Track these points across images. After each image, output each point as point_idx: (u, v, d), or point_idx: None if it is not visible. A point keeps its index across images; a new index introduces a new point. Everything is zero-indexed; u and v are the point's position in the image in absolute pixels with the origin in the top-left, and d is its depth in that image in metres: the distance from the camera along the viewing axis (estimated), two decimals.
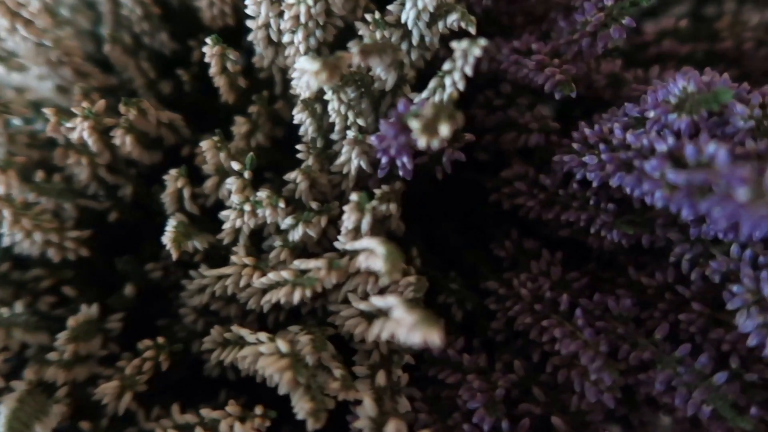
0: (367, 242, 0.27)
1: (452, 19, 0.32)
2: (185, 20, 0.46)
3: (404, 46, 0.35)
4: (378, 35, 0.33)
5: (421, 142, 0.26)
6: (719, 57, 0.45)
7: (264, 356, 0.29)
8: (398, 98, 0.36)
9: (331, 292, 0.35)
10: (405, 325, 0.24)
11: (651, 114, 0.28)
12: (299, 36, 0.32)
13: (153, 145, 0.41)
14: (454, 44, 0.28)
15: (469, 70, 0.29)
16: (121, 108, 0.34)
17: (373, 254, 0.26)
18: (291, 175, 0.34)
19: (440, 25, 0.33)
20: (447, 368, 0.35)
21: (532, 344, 0.36)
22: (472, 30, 0.31)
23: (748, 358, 0.30)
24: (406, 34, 0.34)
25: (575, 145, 0.34)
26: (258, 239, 0.38)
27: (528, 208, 0.39)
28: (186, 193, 0.37)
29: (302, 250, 0.37)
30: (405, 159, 0.31)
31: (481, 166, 0.45)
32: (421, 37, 0.34)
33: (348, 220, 0.31)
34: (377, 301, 0.26)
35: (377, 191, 0.34)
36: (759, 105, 0.26)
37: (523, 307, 0.35)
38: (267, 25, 0.34)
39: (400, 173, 0.33)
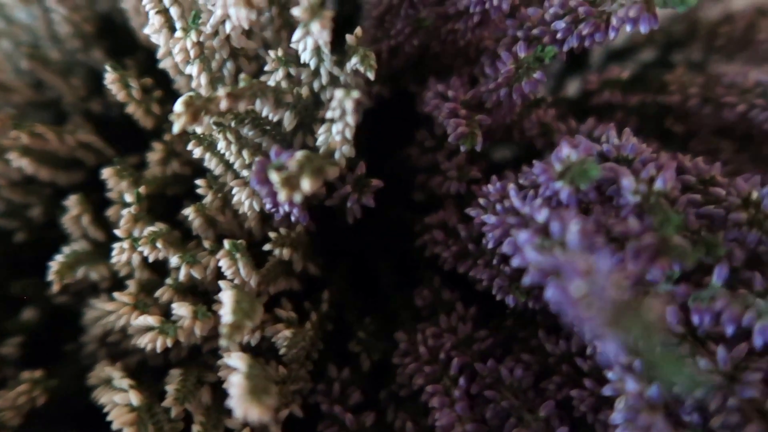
0: (222, 293, 0.25)
1: (353, 62, 0.30)
2: (123, 39, 0.45)
3: (316, 85, 0.33)
4: (281, 73, 0.32)
5: (281, 197, 0.24)
6: (668, 110, 0.43)
7: (117, 407, 0.27)
8: (308, 137, 0.35)
9: None
10: (233, 393, 0.22)
11: (541, 179, 0.26)
12: (194, 69, 0.31)
13: (70, 165, 0.40)
14: (335, 92, 0.27)
15: (351, 120, 0.27)
16: (12, 132, 0.33)
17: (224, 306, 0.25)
18: (185, 211, 0.33)
19: (348, 65, 0.32)
20: (334, 425, 0.33)
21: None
22: (371, 75, 0.30)
23: None
24: (316, 72, 0.33)
25: (481, 201, 0.32)
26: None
27: (444, 258, 0.37)
28: (85, 219, 0.35)
29: (203, 290, 0.35)
30: (286, 207, 0.29)
31: (419, 206, 0.44)
32: (332, 77, 0.33)
33: (224, 267, 0.29)
34: (228, 359, 0.25)
35: (272, 234, 0.33)
36: (647, 180, 0.24)
37: (418, 367, 0.33)
38: (170, 54, 0.33)
39: (292, 219, 0.31)
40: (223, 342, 0.23)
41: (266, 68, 0.32)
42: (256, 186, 0.25)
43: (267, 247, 0.32)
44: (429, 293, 0.39)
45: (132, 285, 0.34)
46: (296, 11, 0.25)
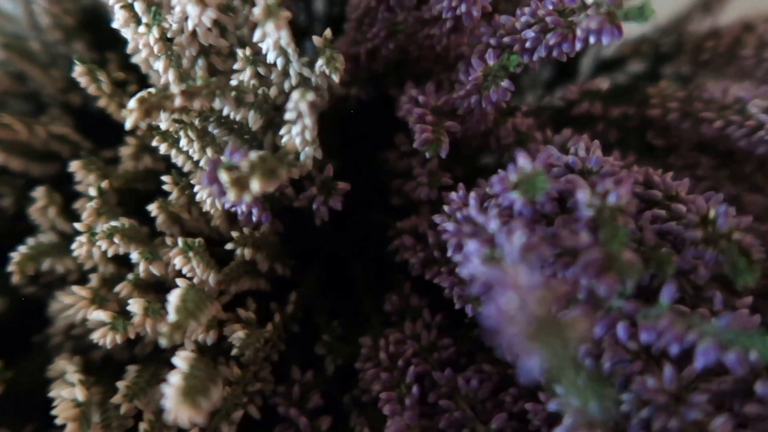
0: (172, 292, 0.25)
1: (319, 64, 0.30)
2: (105, 32, 0.45)
3: (287, 85, 0.33)
4: (249, 72, 0.31)
5: (230, 197, 0.24)
6: (650, 124, 0.43)
7: (63, 401, 0.27)
8: (278, 137, 0.35)
9: None
10: (167, 393, 0.22)
11: (496, 189, 0.26)
12: (160, 65, 0.31)
13: (46, 156, 0.40)
14: (292, 94, 0.26)
15: (308, 122, 0.27)
16: None
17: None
18: (149, 207, 0.33)
19: (316, 67, 0.31)
20: (291, 428, 0.33)
21: None
22: (335, 78, 0.30)
23: None
24: (285, 72, 0.32)
25: (446, 208, 0.32)
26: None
27: (412, 264, 0.37)
28: (52, 211, 0.35)
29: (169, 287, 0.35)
30: (243, 207, 0.29)
31: (397, 210, 0.43)
32: (303, 78, 0.32)
33: (178, 265, 0.29)
34: (174, 358, 0.24)
35: (234, 234, 0.33)
36: (602, 193, 0.24)
37: (376, 373, 0.33)
38: (139, 50, 0.33)
39: (253, 218, 0.31)
40: (162, 342, 0.23)
41: (235, 66, 0.32)
42: (207, 184, 0.25)
43: (229, 246, 0.32)
44: (398, 299, 0.39)
45: (94, 279, 0.34)
46: (255, 10, 0.25)
